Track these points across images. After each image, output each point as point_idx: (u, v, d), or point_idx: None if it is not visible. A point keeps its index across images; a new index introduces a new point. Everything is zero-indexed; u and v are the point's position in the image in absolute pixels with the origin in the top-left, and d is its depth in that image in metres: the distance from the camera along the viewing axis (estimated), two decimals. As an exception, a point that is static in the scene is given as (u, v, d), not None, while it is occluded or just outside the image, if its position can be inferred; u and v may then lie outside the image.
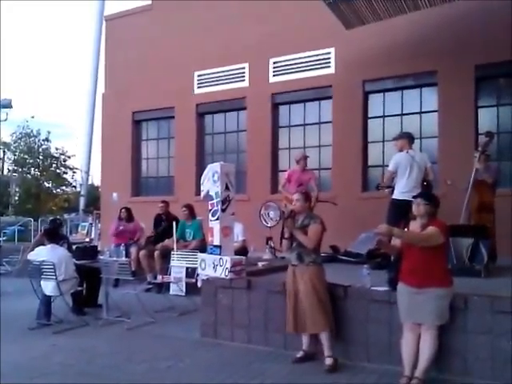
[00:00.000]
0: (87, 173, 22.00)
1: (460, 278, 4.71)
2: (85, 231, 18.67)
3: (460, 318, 4.33)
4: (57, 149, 22.90)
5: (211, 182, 5.93)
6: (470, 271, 5.71)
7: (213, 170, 5.95)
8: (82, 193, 21.53)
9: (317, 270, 4.77)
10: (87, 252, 7.22)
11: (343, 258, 7.38)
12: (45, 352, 5.30)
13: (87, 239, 16.00)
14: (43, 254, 6.46)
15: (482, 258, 5.91)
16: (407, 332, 4.21)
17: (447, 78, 9.28)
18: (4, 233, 17.28)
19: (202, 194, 6.14)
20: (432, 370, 4.21)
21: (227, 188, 5.89)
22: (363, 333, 4.79)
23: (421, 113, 9.86)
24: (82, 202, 21.31)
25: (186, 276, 7.53)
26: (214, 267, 5.74)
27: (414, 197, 4.48)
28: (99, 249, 8.65)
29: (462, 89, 9.15)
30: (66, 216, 22.98)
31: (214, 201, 5.89)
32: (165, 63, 12.39)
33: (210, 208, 5.97)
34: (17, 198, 23.83)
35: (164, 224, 9.06)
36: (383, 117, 10.24)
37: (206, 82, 12.05)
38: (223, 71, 11.75)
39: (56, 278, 6.15)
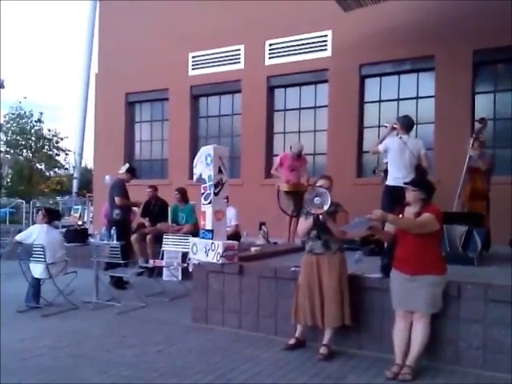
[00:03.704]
0: (80, 155, 21.77)
1: (453, 265, 4.66)
2: (77, 214, 18.53)
3: (453, 306, 4.29)
4: (49, 130, 22.68)
5: (204, 165, 5.83)
6: (463, 259, 5.67)
7: (206, 152, 5.84)
8: (75, 175, 21.31)
9: (343, 258, 4.65)
10: (78, 235, 7.13)
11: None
12: (33, 334, 5.23)
13: (80, 222, 15.88)
14: (35, 232, 6.36)
15: (475, 245, 5.87)
16: (399, 320, 4.17)
17: (445, 63, 9.18)
18: (-5, 214, 17.15)
19: (195, 176, 6.05)
20: (423, 358, 4.18)
21: (220, 171, 5.79)
22: (355, 320, 4.72)
23: (417, 98, 9.76)
24: (74, 184, 21.11)
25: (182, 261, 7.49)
26: (205, 252, 5.67)
27: (404, 183, 4.41)
28: (90, 232, 8.56)
29: (459, 74, 9.05)
30: (58, 198, 22.81)
31: (207, 184, 5.79)
32: (159, 44, 12.18)
33: (202, 191, 5.88)
34: (9, 179, 23.62)
35: (153, 209, 8.93)
36: (379, 101, 10.14)
37: (200, 64, 11.87)
38: (218, 53, 11.58)
39: (45, 261, 6.06)
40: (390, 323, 4.33)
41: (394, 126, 6.37)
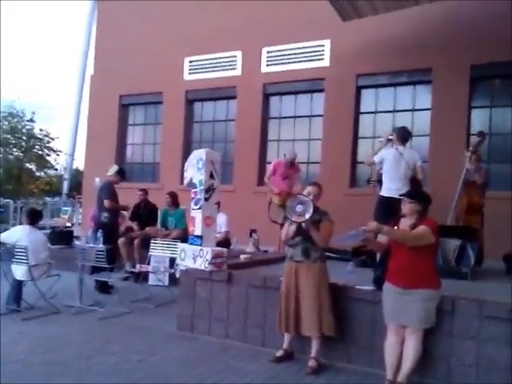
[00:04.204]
0: (72, 156, 21.50)
1: (446, 279, 4.53)
2: (66, 216, 18.26)
3: (446, 322, 4.16)
4: (41, 130, 22.33)
5: (195, 170, 5.68)
6: (456, 273, 5.56)
7: (197, 156, 5.70)
8: (66, 176, 21.03)
9: (323, 268, 4.54)
10: (63, 236, 6.94)
11: (327, 254, 7.18)
12: (11, 339, 5.03)
13: (68, 224, 15.63)
14: (18, 233, 6.18)
15: (469, 260, 5.76)
16: (391, 334, 4.04)
17: (442, 77, 9.12)
18: (-17, 214, 16.79)
19: (186, 181, 5.89)
20: (415, 375, 4.04)
21: (212, 176, 5.64)
22: (345, 332, 4.60)
23: (413, 110, 9.70)
24: (65, 185, 20.82)
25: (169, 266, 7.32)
26: (193, 258, 5.51)
27: (400, 195, 4.30)
28: (78, 234, 8.36)
29: (456, 88, 8.99)
30: (47, 199, 22.50)
31: (198, 189, 5.64)
32: (156, 47, 12.05)
33: (192, 196, 5.72)
34: (-1, 179, 23.30)
35: (142, 213, 8.76)
36: (375, 112, 10.07)
37: (196, 69, 11.76)
38: (215, 58, 11.47)
39: (28, 263, 5.87)
40: (381, 337, 4.19)
41: (390, 137, 6.30)
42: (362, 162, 10.00)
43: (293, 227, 4.44)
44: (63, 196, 20.92)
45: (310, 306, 4.38)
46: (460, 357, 4.10)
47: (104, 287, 7.20)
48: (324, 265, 4.56)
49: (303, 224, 4.33)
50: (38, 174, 22.95)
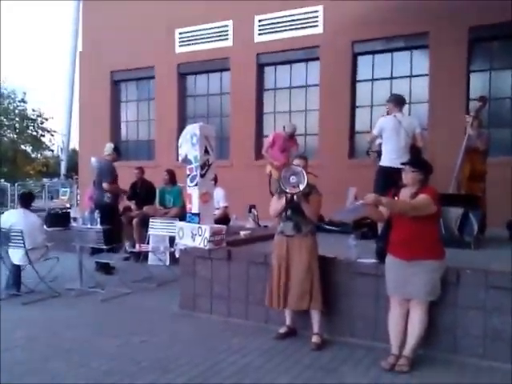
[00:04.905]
0: (68, 136, 21.24)
1: (449, 249, 4.44)
2: (65, 197, 18.16)
3: (451, 293, 4.09)
4: (34, 110, 22.07)
5: (189, 145, 5.54)
6: (459, 242, 5.46)
7: (191, 131, 5.54)
8: (63, 157, 20.83)
9: (314, 241, 4.46)
10: (59, 218, 6.84)
11: (327, 227, 7.13)
12: (11, 324, 4.97)
13: (67, 205, 15.54)
14: (12, 217, 6.09)
15: (472, 228, 5.66)
16: (395, 307, 3.97)
17: (439, 41, 8.91)
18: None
19: (180, 157, 5.74)
20: (420, 347, 3.99)
21: (207, 152, 5.50)
22: (348, 307, 4.54)
23: (411, 76, 9.51)
24: (62, 166, 20.64)
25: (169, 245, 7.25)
26: (192, 236, 5.42)
27: (402, 164, 4.16)
28: (75, 215, 8.26)
29: (454, 52, 8.79)
30: (46, 181, 22.36)
31: (193, 165, 5.51)
32: (144, 20, 11.75)
33: (188, 173, 5.60)
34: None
35: (140, 192, 8.65)
36: (372, 80, 9.87)
37: (187, 41, 11.50)
38: (206, 29, 11.20)
39: (24, 246, 5.78)
40: (385, 310, 4.12)
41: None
42: (360, 132, 9.86)
43: (282, 200, 4.35)
44: (61, 177, 20.80)
45: (300, 281, 4.32)
46: (466, 328, 4.04)
47: (106, 268, 7.14)
48: (314, 238, 4.48)
49: (295, 197, 4.24)
50: (33, 155, 22.75)
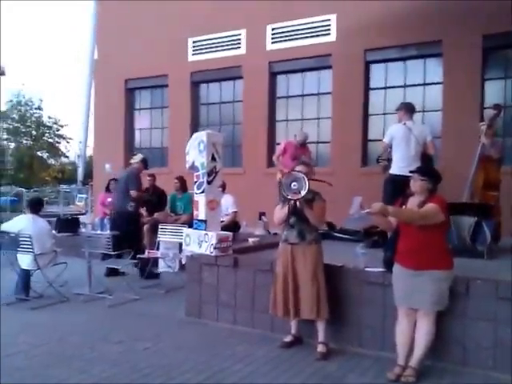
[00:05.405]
0: (84, 143, 21.39)
1: (461, 259, 4.37)
2: (81, 203, 18.34)
3: (460, 303, 3.99)
4: (50, 117, 22.35)
5: (197, 152, 5.54)
6: (471, 252, 5.36)
7: (199, 138, 5.55)
8: (79, 164, 20.97)
9: (319, 249, 4.40)
10: (69, 224, 6.87)
11: (338, 235, 7.06)
12: (17, 329, 4.98)
13: (83, 211, 15.70)
14: (21, 222, 6.13)
15: (484, 238, 5.55)
16: (402, 317, 3.88)
17: (453, 48, 8.81)
18: (-5, 203, 16.93)
19: (188, 164, 5.74)
20: (428, 359, 3.89)
21: (214, 159, 5.49)
22: (355, 316, 4.47)
23: (424, 84, 9.41)
24: (79, 173, 20.78)
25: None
26: (198, 243, 5.40)
27: (410, 172, 4.09)
28: (85, 221, 8.30)
29: (468, 60, 8.68)
30: (63, 187, 22.57)
31: (200, 172, 5.50)
32: (158, 29, 11.83)
33: (195, 180, 5.59)
34: (11, 167, 23.43)
35: (151, 198, 8.67)
36: (385, 88, 9.80)
37: (200, 49, 11.54)
38: (219, 37, 11.23)
39: (33, 251, 5.81)
40: (392, 320, 4.04)
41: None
42: (373, 140, 9.77)
43: (285, 208, 4.33)
44: (78, 183, 20.97)
45: (306, 290, 4.27)
46: (476, 340, 3.94)
47: (114, 273, 7.14)
48: (319, 246, 4.42)
49: (298, 203, 4.21)
50: (49, 162, 22.99)
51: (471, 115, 8.41)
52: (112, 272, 7.10)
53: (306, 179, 4.14)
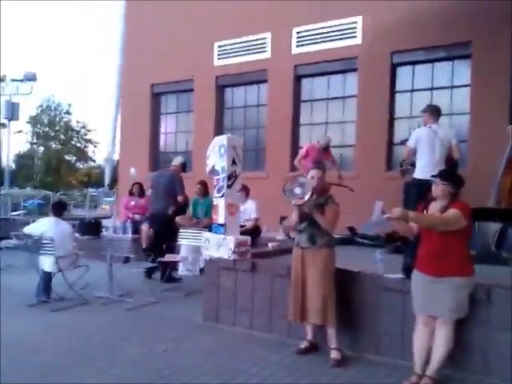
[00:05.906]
0: (112, 147, 21.73)
1: (485, 266, 4.24)
2: (107, 206, 18.60)
3: (483, 311, 3.88)
4: (78, 122, 22.80)
5: (217, 156, 5.53)
6: (496, 259, 5.21)
7: (219, 142, 5.54)
8: (107, 168, 21.31)
9: (330, 253, 4.35)
10: (91, 227, 6.95)
11: (360, 240, 6.96)
12: (39, 330, 5.07)
13: (109, 214, 15.92)
14: (44, 225, 6.23)
15: (510, 244, 5.38)
16: (420, 325, 3.78)
17: (482, 50, 8.59)
18: (24, 206, 17.29)
19: (208, 168, 5.73)
20: (447, 368, 3.78)
21: (234, 163, 5.47)
22: (373, 323, 4.38)
23: (452, 87, 9.21)
24: (106, 177, 21.11)
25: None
26: (217, 247, 5.38)
27: (432, 176, 3.98)
28: (106, 225, 8.39)
29: (497, 61, 8.44)
30: (90, 190, 22.97)
31: (220, 176, 5.49)
32: (184, 33, 11.91)
33: (215, 184, 5.58)
34: (38, 171, 23.95)
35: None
36: (412, 91, 9.63)
37: (226, 54, 11.57)
38: (244, 41, 11.24)
39: (54, 254, 5.89)
40: (411, 328, 3.93)
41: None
42: (398, 144, 9.60)
43: (296, 213, 4.31)
44: (105, 187, 21.30)
45: (315, 294, 4.23)
46: (497, 349, 3.81)
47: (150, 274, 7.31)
48: (330, 251, 4.36)
49: (306, 208, 4.19)
50: (76, 165, 23.42)
51: (499, 118, 8.18)
52: (151, 273, 7.16)
53: (309, 184, 4.13)
